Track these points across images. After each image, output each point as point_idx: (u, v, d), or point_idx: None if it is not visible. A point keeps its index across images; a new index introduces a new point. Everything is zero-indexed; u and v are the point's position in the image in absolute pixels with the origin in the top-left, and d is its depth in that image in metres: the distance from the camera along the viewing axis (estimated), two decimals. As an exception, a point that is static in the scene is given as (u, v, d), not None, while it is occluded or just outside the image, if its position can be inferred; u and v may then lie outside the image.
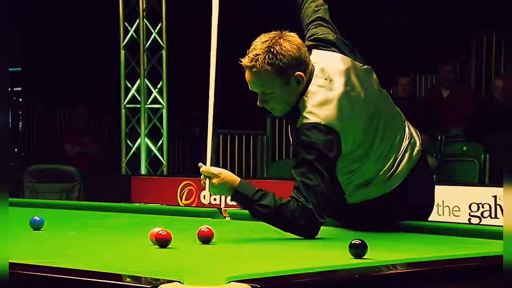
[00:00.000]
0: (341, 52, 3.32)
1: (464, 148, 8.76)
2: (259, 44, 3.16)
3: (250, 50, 3.18)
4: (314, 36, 3.40)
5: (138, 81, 9.87)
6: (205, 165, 3.19)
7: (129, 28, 9.84)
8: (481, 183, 8.25)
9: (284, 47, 3.13)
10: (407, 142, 3.33)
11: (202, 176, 3.17)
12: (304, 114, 3.15)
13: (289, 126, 3.43)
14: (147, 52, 9.83)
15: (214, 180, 3.14)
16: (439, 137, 8.97)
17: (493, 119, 8.40)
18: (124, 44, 9.86)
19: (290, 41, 3.16)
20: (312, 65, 3.23)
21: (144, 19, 9.79)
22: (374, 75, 3.37)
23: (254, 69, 3.15)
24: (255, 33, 3.24)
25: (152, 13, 9.83)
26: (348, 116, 3.16)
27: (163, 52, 9.81)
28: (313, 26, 3.46)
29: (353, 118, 3.18)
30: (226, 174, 3.16)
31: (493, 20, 9.58)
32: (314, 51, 3.30)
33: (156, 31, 9.79)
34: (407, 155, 3.31)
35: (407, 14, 10.60)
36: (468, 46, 10.56)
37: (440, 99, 9.45)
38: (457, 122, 9.19)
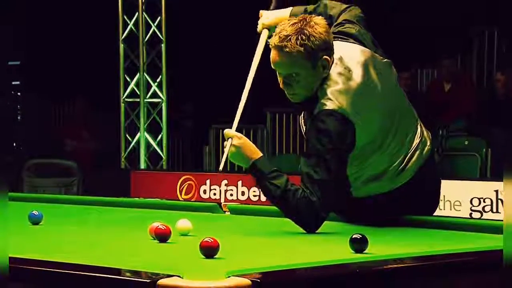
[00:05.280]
0: (361, 44, 3.32)
1: (466, 143, 8.76)
2: (288, 26, 3.15)
3: (277, 32, 3.17)
4: (337, 29, 3.40)
5: (137, 75, 9.87)
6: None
7: (128, 22, 9.84)
8: (482, 177, 8.26)
9: (316, 29, 3.14)
10: (418, 140, 3.33)
11: (225, 142, 3.19)
12: (323, 101, 3.14)
13: (299, 117, 3.41)
14: (146, 46, 9.82)
15: (236, 142, 3.15)
16: (441, 132, 8.97)
17: (495, 113, 8.40)
18: (123, 37, 9.85)
19: (320, 25, 3.17)
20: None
21: (143, 12, 9.78)
22: (394, 70, 3.37)
23: (286, 49, 3.13)
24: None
25: (151, 6, 9.82)
26: (365, 108, 3.16)
27: (163, 45, 9.80)
28: (338, 26, 3.44)
29: (369, 111, 3.18)
30: (249, 143, 3.18)
31: (495, 13, 9.57)
32: (333, 42, 3.29)
33: (155, 24, 9.78)
34: (417, 153, 3.30)
35: (408, 8, 10.59)
36: (469, 39, 10.55)
37: (441, 92, 9.45)
38: (458, 116, 9.19)
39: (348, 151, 3.15)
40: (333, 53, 3.21)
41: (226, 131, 3.21)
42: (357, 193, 3.31)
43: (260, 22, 3.57)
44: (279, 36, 3.15)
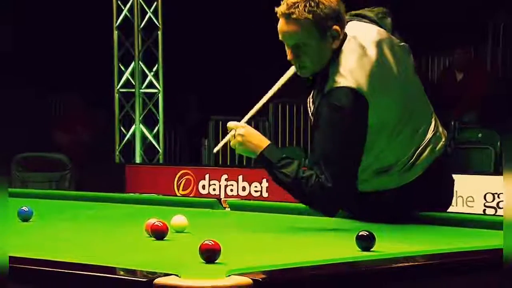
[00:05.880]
0: (378, 26, 3.33)
1: (479, 135, 8.76)
2: None
3: (285, 0, 3.17)
4: (353, 13, 3.40)
5: (132, 64, 9.87)
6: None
7: (123, 8, 9.83)
8: (496, 171, 8.25)
9: None
10: (431, 134, 3.31)
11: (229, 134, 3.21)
12: (335, 77, 3.14)
13: (309, 100, 3.38)
14: (141, 33, 9.82)
15: (240, 132, 3.17)
16: (452, 123, 8.97)
17: (510, 103, 8.40)
18: (117, 24, 9.85)
19: None
20: (345, 33, 3.23)
21: (139, -2, 9.79)
22: (411, 56, 3.37)
23: (293, 16, 3.14)
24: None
25: (147, -9, 9.83)
26: (379, 89, 3.15)
27: (159, 33, 9.79)
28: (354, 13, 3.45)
29: (383, 93, 3.17)
30: (254, 132, 3.20)
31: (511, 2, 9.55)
32: (348, 23, 3.29)
33: (151, 10, 9.77)
34: (429, 148, 3.28)
35: (414, 4, 10.57)
36: (484, 26, 10.54)
37: (454, 82, 9.44)
38: (471, 107, 9.19)
39: (362, 131, 3.13)
40: (345, 24, 3.21)
41: (229, 123, 3.22)
42: (363, 187, 3.29)
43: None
44: (287, 4, 3.15)
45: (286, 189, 3.17)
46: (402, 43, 3.35)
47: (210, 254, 2.22)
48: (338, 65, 3.16)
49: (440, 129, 3.37)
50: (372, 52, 3.20)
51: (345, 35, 3.22)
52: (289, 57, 3.22)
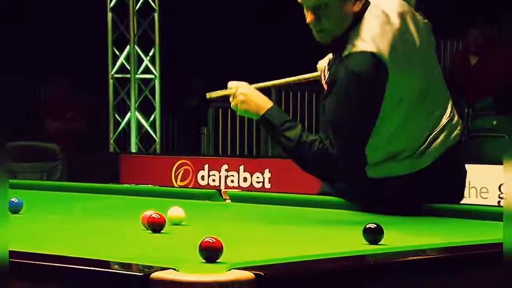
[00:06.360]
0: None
1: (494, 123, 8.76)
2: None
3: None
4: None
5: (127, 48, 9.87)
6: None
7: (117, -12, 9.83)
8: (512, 161, 8.24)
9: None
10: (446, 120, 3.30)
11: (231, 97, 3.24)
12: (355, 41, 3.15)
13: (324, 68, 3.38)
14: (137, 15, 9.82)
15: (242, 91, 3.20)
16: (466, 110, 8.97)
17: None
18: (111, 6, 9.84)
19: None
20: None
21: (134, -22, 9.78)
22: (433, 36, 3.38)
23: None
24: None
25: (142, -29, 9.81)
26: (401, 59, 3.16)
27: (155, 15, 9.79)
28: None
29: (406, 64, 3.18)
30: (256, 93, 3.23)
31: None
32: None
33: (147, -9, 9.77)
34: (443, 135, 3.28)
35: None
36: (500, 6, 10.51)
37: (467, 66, 9.43)
38: (486, 93, 9.18)
39: (378, 102, 3.12)
40: None
41: (231, 82, 3.25)
42: (372, 173, 3.28)
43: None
44: None
45: (289, 154, 3.19)
46: (425, 20, 3.36)
47: (210, 254, 2.11)
48: (359, 29, 3.17)
49: (456, 117, 3.37)
50: (395, 21, 3.21)
51: (368, 2, 3.23)
52: (308, 19, 3.22)
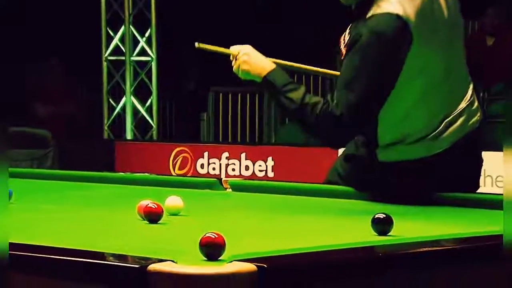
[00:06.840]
0: None
1: (511, 108, 8.75)
2: None
3: None
4: None
5: (122, 28, 9.87)
6: None
7: (111, -35, 9.83)
8: (530, 148, 8.25)
9: None
10: (465, 104, 3.29)
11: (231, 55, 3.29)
12: (380, 3, 3.14)
13: (343, 36, 3.37)
14: (132, -6, 9.82)
15: (246, 50, 3.25)
16: (481, 94, 8.97)
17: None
18: (105, -16, 9.85)
19: None
20: None
21: (129, -46, 9.78)
22: (461, 16, 3.37)
23: None
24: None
25: None
26: (428, 27, 3.16)
27: (152, -7, 9.79)
28: None
29: (432, 33, 3.17)
30: (258, 55, 3.26)
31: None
32: None
33: (143, -32, 9.77)
34: (461, 119, 3.28)
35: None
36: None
37: (484, 48, 9.43)
38: (502, 76, 9.17)
39: (398, 67, 3.11)
40: None
41: (232, 46, 3.30)
42: (383, 156, 3.29)
43: None
44: None
45: (292, 118, 3.23)
46: None
47: (212, 250, 2.01)
48: None
49: (476, 103, 3.36)
50: None
51: None
52: None
